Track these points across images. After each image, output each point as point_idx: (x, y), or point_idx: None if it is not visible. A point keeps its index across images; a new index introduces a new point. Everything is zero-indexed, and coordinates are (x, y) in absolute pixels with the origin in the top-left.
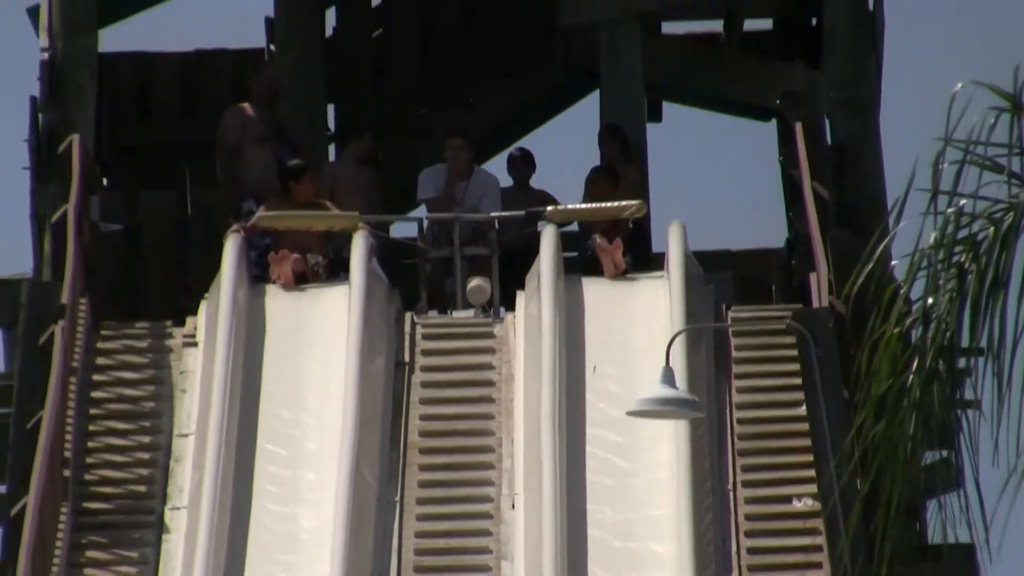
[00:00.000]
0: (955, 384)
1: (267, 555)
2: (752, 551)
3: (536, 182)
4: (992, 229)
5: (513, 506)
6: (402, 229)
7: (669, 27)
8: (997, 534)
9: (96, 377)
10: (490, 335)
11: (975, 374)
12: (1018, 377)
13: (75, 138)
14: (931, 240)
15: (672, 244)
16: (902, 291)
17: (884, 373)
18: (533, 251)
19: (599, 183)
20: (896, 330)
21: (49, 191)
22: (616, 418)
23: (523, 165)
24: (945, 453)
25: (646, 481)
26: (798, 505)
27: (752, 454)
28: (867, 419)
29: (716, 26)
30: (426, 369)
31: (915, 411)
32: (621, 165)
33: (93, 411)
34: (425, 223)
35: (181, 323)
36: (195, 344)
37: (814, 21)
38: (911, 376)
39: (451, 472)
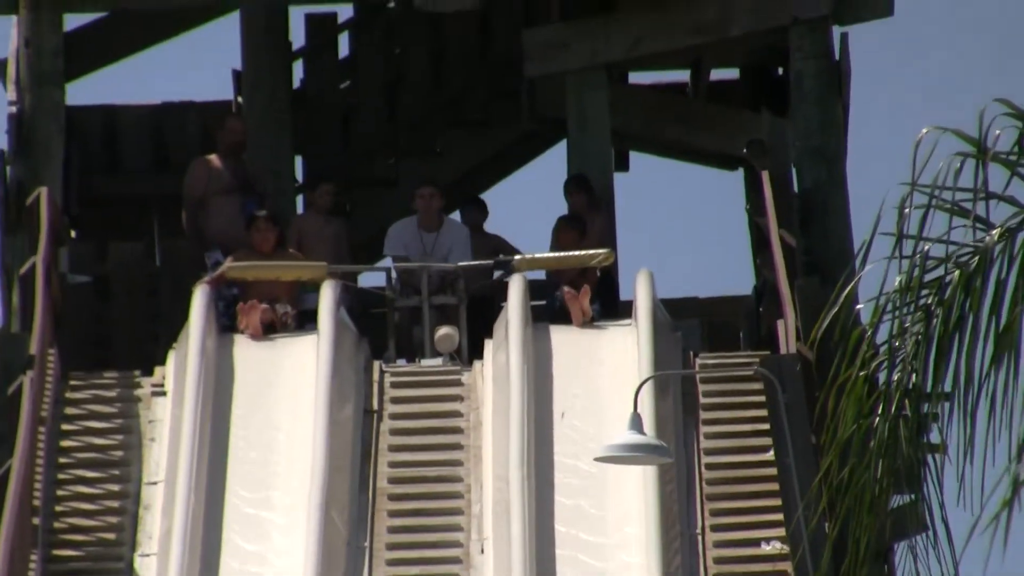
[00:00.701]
0: (921, 427)
1: None
2: None
3: (503, 231)
4: (958, 272)
5: (483, 551)
6: (371, 279)
7: (636, 77)
8: (968, 573)
9: (65, 427)
10: (458, 383)
11: (941, 418)
12: (983, 419)
13: (43, 190)
14: (896, 284)
15: (640, 292)
16: (867, 334)
17: (850, 416)
18: (495, 298)
19: (566, 231)
20: (862, 373)
21: (17, 243)
22: (584, 464)
23: (475, 212)
24: (913, 496)
25: (615, 525)
26: (766, 548)
27: (720, 498)
28: (833, 462)
29: (683, 76)
30: (395, 416)
31: (881, 455)
32: (587, 215)
33: (62, 460)
34: (393, 273)
35: (150, 373)
36: (164, 393)
37: (780, 71)
38: (877, 419)
39: (420, 518)
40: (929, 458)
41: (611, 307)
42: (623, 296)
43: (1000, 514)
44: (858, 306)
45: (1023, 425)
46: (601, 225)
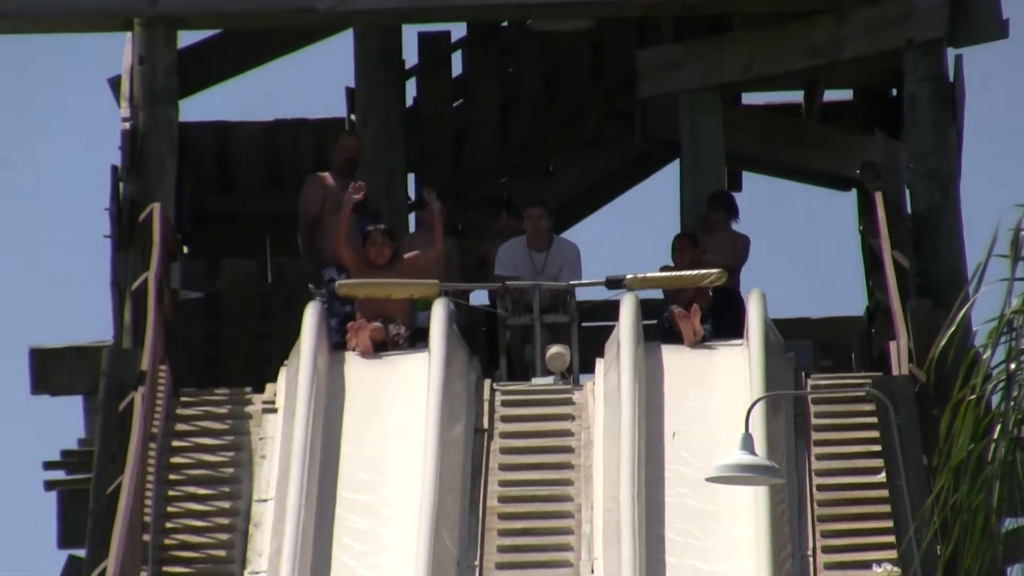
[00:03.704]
0: None
1: None
2: None
3: (613, 250)
4: None
5: (592, 571)
6: (481, 297)
7: (749, 98)
8: None
9: (176, 443)
10: (569, 402)
11: None
12: None
13: (156, 207)
14: (1014, 305)
15: (752, 312)
16: (984, 355)
17: (964, 439)
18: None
19: (683, 249)
20: (974, 396)
21: (130, 259)
22: (695, 484)
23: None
24: None
25: (726, 546)
26: (877, 571)
27: (831, 520)
28: (946, 484)
29: (796, 96)
30: (505, 435)
31: (998, 480)
32: (726, 232)
33: (172, 476)
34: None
35: (261, 390)
36: (274, 410)
37: (894, 92)
38: (992, 442)
39: (530, 537)
40: None
41: (734, 324)
42: None
43: None
44: (974, 328)
45: None
46: (741, 247)
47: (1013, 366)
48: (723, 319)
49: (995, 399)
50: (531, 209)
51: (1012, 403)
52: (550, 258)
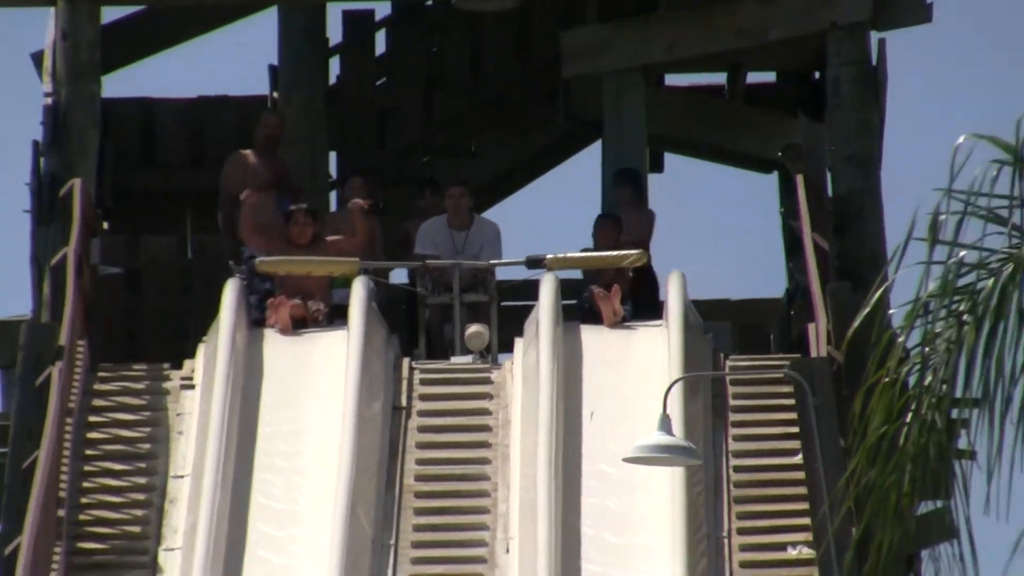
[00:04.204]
0: (950, 433)
1: None
2: None
3: (535, 230)
4: (991, 280)
5: (508, 550)
6: (402, 275)
7: (672, 79)
8: None
9: (93, 418)
10: (488, 381)
11: (970, 424)
12: (1011, 426)
13: (76, 182)
14: (931, 288)
15: (671, 293)
16: (900, 338)
17: (879, 420)
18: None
19: (605, 229)
20: (889, 378)
21: (49, 235)
22: (612, 464)
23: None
24: (940, 502)
25: (641, 527)
26: (793, 553)
27: (747, 502)
28: (860, 465)
29: (719, 79)
30: (423, 414)
31: (910, 461)
32: (633, 209)
33: (89, 452)
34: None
35: (179, 366)
36: (192, 386)
37: (817, 75)
38: (905, 424)
39: (446, 516)
40: (957, 465)
41: (651, 306)
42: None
43: None
44: (891, 311)
45: None
46: (647, 221)
47: (928, 349)
48: (638, 296)
49: (911, 381)
50: (452, 188)
51: (925, 386)
52: (471, 237)
